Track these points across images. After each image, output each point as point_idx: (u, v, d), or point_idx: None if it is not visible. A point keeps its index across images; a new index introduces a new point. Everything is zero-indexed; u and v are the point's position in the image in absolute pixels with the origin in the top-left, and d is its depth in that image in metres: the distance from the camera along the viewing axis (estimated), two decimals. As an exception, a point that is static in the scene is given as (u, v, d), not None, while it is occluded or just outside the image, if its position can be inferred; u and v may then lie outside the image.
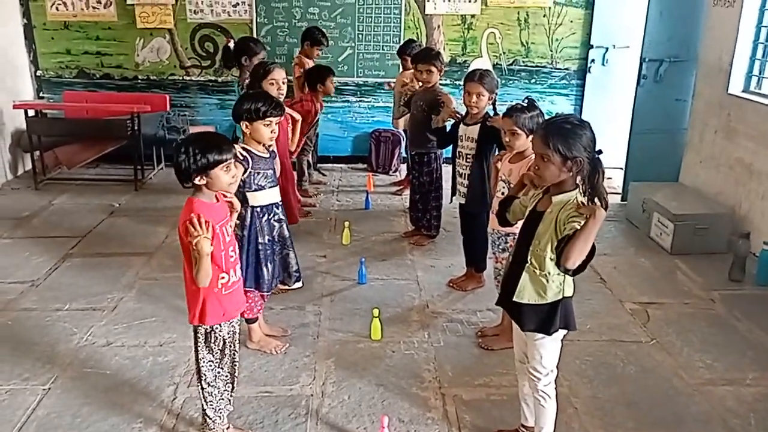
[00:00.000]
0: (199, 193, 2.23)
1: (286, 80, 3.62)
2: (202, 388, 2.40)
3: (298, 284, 3.20)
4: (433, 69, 4.24)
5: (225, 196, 2.32)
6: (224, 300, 2.31)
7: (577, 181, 2.09)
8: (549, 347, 2.24)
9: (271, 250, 2.97)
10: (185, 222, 2.15)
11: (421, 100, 4.35)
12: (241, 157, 2.75)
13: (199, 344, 2.35)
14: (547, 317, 2.19)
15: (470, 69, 6.28)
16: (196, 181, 2.18)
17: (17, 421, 2.60)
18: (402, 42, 5.91)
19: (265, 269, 2.95)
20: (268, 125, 2.81)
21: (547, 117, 2.69)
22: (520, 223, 2.32)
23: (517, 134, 2.96)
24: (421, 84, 4.42)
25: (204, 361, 2.36)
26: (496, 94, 3.61)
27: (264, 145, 2.90)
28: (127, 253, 4.27)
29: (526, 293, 2.18)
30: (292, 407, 2.72)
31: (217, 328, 2.33)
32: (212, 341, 2.34)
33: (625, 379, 2.97)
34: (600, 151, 2.08)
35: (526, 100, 2.95)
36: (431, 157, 4.39)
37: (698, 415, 2.72)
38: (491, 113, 3.63)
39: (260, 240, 2.93)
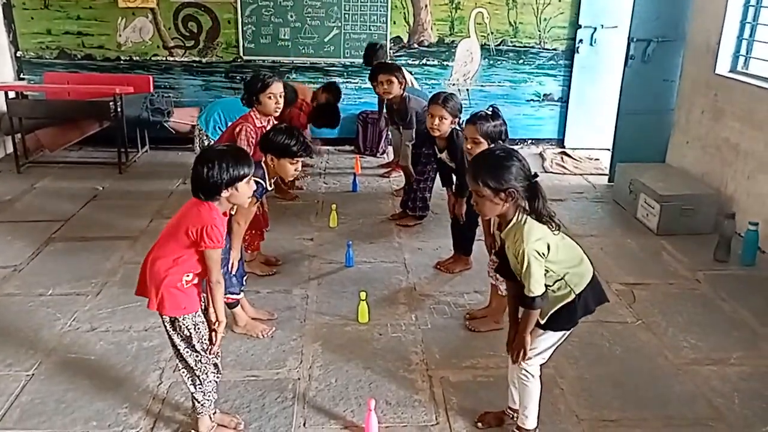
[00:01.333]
0: (216, 203, 2.23)
1: (284, 94, 3.60)
2: (186, 373, 2.37)
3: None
4: (394, 80, 4.25)
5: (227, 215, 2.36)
6: (185, 294, 2.27)
7: (517, 209, 2.12)
8: (550, 338, 2.28)
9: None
10: (206, 227, 2.15)
11: (396, 115, 4.40)
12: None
13: (168, 331, 2.32)
14: (567, 317, 2.23)
15: (457, 51, 6.28)
16: (224, 194, 2.20)
17: (0, 408, 2.57)
18: (387, 25, 5.85)
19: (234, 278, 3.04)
20: (293, 163, 2.88)
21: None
22: None
23: (479, 143, 2.95)
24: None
25: (181, 348, 2.32)
26: (459, 118, 3.61)
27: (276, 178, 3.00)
28: (112, 237, 4.22)
29: (545, 313, 2.22)
30: (278, 391, 2.71)
31: (181, 318, 2.28)
32: (178, 328, 2.30)
33: (611, 359, 2.99)
34: (536, 175, 2.12)
35: (491, 109, 2.99)
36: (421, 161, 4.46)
37: (683, 394, 2.74)
38: (458, 131, 3.61)
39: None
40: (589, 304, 2.26)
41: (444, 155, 3.71)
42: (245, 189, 2.24)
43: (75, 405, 2.60)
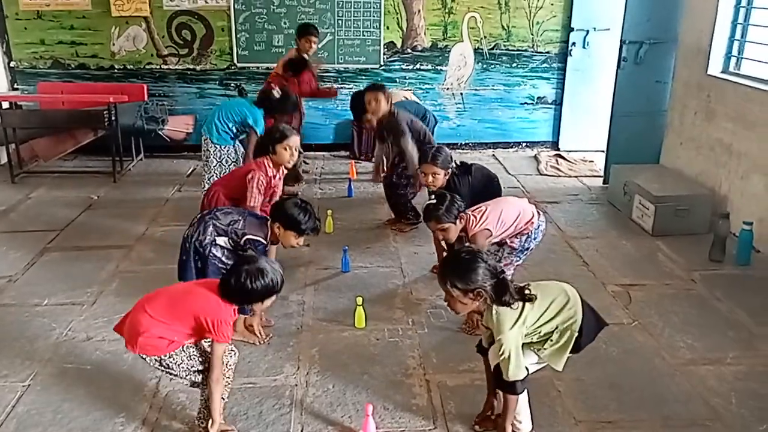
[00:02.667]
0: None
1: (299, 148, 3.66)
2: (204, 388, 2.39)
3: None
4: (381, 97, 4.28)
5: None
6: (165, 343, 2.29)
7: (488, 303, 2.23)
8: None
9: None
10: (221, 322, 2.23)
11: (385, 130, 4.40)
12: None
13: (158, 368, 2.37)
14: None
15: (451, 55, 6.30)
16: (252, 306, 2.34)
17: (-4, 419, 2.57)
18: (381, 30, 5.87)
19: None
20: (294, 237, 2.92)
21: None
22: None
23: (446, 229, 3.08)
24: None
25: (181, 375, 2.35)
26: (452, 168, 3.67)
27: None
28: (107, 246, 4.21)
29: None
30: (276, 398, 2.71)
31: (167, 356, 2.32)
32: (166, 366, 2.33)
33: (607, 360, 2.99)
34: (502, 271, 2.25)
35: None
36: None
37: (680, 394, 2.75)
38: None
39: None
40: (590, 332, 2.36)
41: None
42: (262, 306, 2.36)
43: (71, 415, 2.59)
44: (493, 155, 6.45)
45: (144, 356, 2.32)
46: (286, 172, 3.72)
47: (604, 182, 5.50)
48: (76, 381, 2.81)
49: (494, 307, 2.20)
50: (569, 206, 5.03)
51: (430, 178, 3.62)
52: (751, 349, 3.10)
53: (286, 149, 3.53)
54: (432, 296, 3.59)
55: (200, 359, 2.35)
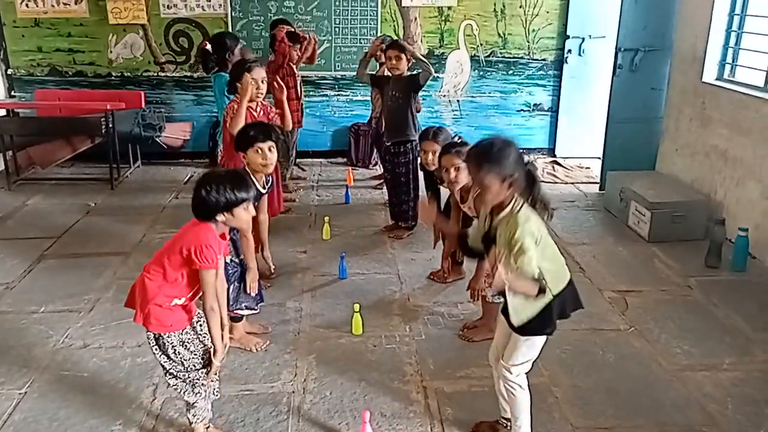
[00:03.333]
0: (213, 224, 2.24)
1: (266, 79, 3.63)
2: (178, 385, 2.35)
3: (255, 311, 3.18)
4: (402, 56, 4.26)
5: (225, 238, 2.33)
6: (172, 312, 2.27)
7: (515, 195, 2.15)
8: (535, 345, 2.27)
9: (232, 271, 2.94)
10: (200, 246, 2.16)
11: (394, 89, 4.36)
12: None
13: (152, 348, 2.31)
14: (547, 320, 2.21)
15: (448, 62, 6.33)
16: (219, 218, 2.21)
17: (-7, 427, 2.56)
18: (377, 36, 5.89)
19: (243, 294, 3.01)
20: (258, 152, 2.88)
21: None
22: None
23: (461, 168, 3.08)
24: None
25: (167, 365, 2.31)
26: None
27: (263, 180, 3.00)
28: (104, 253, 4.21)
29: (520, 314, 2.20)
30: (273, 405, 2.71)
31: (165, 335, 2.28)
32: (162, 345, 2.30)
33: (604, 367, 3.00)
34: (531, 163, 2.18)
35: (458, 137, 3.18)
36: (407, 147, 4.39)
37: (677, 400, 2.75)
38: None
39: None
40: (566, 307, 2.26)
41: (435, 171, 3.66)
42: (242, 214, 2.25)
43: (68, 423, 2.59)
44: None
45: (149, 335, 2.28)
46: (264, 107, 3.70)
47: (600, 189, 5.52)
48: (73, 388, 2.80)
49: (518, 203, 2.13)
50: (566, 213, 5.04)
51: (430, 156, 3.57)
52: (748, 354, 3.11)
53: (251, 82, 3.51)
54: (429, 303, 3.59)
55: (200, 357, 2.32)
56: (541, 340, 2.28)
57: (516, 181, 2.11)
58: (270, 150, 2.94)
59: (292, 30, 5.19)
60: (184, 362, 2.30)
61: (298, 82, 5.20)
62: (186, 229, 2.26)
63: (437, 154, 3.51)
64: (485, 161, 2.10)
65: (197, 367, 2.33)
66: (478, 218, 2.47)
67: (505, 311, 2.30)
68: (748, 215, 4.19)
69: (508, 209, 2.14)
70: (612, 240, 4.51)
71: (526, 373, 2.33)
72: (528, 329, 2.22)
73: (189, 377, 2.33)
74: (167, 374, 2.34)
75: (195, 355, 2.32)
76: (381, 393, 2.79)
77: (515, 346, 2.26)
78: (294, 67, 5.12)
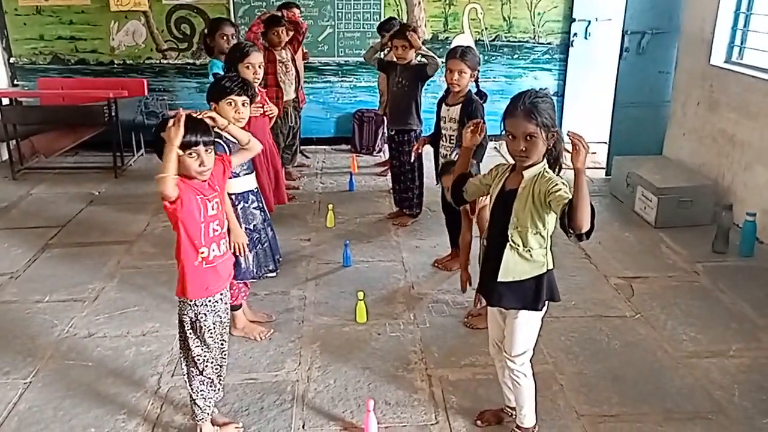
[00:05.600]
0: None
1: (263, 64, 3.54)
2: (191, 380, 2.37)
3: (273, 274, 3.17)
4: (408, 45, 4.21)
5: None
6: (206, 274, 2.27)
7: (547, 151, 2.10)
8: (530, 325, 2.23)
9: (249, 239, 2.92)
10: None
11: (400, 76, 4.31)
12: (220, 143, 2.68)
13: (188, 336, 2.31)
14: (535, 292, 2.18)
15: (452, 45, 6.28)
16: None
17: (-2, 417, 2.57)
18: (381, 20, 5.82)
19: (242, 259, 2.90)
20: (230, 104, 2.72)
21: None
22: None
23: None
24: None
25: (195, 353, 2.32)
26: (479, 71, 3.58)
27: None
28: (108, 241, 4.21)
29: (511, 272, 2.16)
30: (277, 393, 2.70)
31: (202, 317, 2.30)
32: (198, 330, 2.31)
33: (610, 354, 2.98)
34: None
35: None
36: (412, 135, 4.35)
37: (683, 387, 2.74)
38: (473, 90, 3.58)
39: None
40: (554, 290, 2.23)
41: (453, 111, 3.58)
42: (187, 160, 2.11)
43: (73, 412, 2.59)
44: (495, 148, 6.41)
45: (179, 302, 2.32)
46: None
47: (606, 174, 5.48)
48: (78, 378, 2.81)
49: (544, 161, 2.09)
50: (571, 198, 4.99)
51: (456, 76, 3.45)
52: (755, 341, 3.09)
53: (248, 67, 3.37)
54: (434, 290, 3.58)
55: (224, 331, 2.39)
56: (535, 322, 2.24)
57: (556, 136, 2.07)
58: (243, 105, 2.77)
59: (274, 14, 4.86)
60: (206, 335, 2.33)
61: (281, 69, 4.85)
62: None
63: (464, 75, 3.45)
64: (537, 112, 2.02)
65: (216, 361, 2.38)
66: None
67: (493, 296, 2.24)
68: (756, 200, 4.15)
69: (537, 167, 2.09)
70: (618, 225, 4.47)
71: (530, 360, 2.31)
72: (518, 297, 2.18)
73: (204, 354, 2.35)
74: (184, 350, 2.37)
75: (216, 332, 2.35)
76: (385, 381, 2.78)
77: (512, 334, 2.23)
78: (276, 53, 4.81)
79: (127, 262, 3.91)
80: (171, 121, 2.05)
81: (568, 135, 1.93)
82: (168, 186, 2.03)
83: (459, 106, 3.55)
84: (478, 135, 2.35)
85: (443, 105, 3.69)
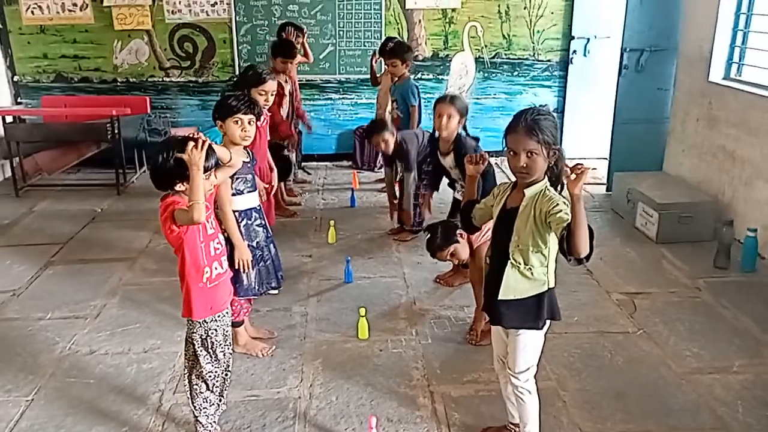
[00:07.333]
0: (177, 197, 2.18)
1: (275, 92, 3.59)
2: (194, 397, 2.38)
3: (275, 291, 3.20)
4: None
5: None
6: (210, 294, 2.31)
7: (547, 169, 2.12)
8: (532, 343, 2.23)
9: (252, 256, 2.93)
10: (168, 217, 2.13)
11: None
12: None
13: (199, 354, 2.34)
14: (536, 311, 2.18)
15: (452, 63, 6.33)
16: (177, 187, 2.16)
17: (-1, 435, 2.56)
18: (382, 39, 5.88)
19: (244, 276, 2.91)
20: (237, 123, 2.75)
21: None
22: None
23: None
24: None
25: (206, 370, 2.36)
26: (466, 117, 3.57)
27: (244, 148, 2.87)
28: (110, 258, 4.21)
29: (512, 290, 2.17)
30: (279, 410, 2.69)
31: (212, 333, 2.34)
32: (209, 347, 2.35)
33: (613, 370, 2.97)
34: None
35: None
36: None
37: (686, 404, 2.72)
38: (463, 134, 3.58)
39: None
40: (555, 309, 2.23)
41: (448, 159, 3.61)
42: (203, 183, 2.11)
43: (75, 430, 2.58)
44: (496, 164, 6.43)
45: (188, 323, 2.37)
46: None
47: (607, 190, 5.49)
48: (80, 395, 2.80)
49: (545, 180, 2.10)
50: (572, 214, 5.00)
51: (444, 120, 3.46)
52: (758, 356, 3.08)
53: (261, 94, 3.43)
54: (436, 306, 3.58)
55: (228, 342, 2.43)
56: (538, 340, 2.24)
57: (557, 154, 2.08)
58: (249, 123, 2.79)
59: (289, 42, 5.01)
60: (217, 350, 2.38)
61: (288, 93, 4.92)
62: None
63: (452, 119, 3.46)
64: (539, 129, 2.04)
65: (220, 377, 2.43)
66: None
67: (492, 311, 2.25)
68: (757, 216, 4.15)
69: (538, 185, 2.10)
70: (619, 241, 4.48)
71: (534, 377, 2.31)
72: (518, 316, 2.18)
73: (212, 370, 2.40)
74: (191, 366, 2.40)
75: (223, 344, 2.40)
76: (387, 398, 2.77)
77: (515, 352, 2.23)
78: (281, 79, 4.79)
79: (129, 279, 3.91)
80: (191, 144, 2.02)
81: (569, 169, 1.93)
82: (203, 213, 2.05)
83: (451, 154, 3.56)
84: (481, 164, 2.39)
85: (438, 154, 3.69)
